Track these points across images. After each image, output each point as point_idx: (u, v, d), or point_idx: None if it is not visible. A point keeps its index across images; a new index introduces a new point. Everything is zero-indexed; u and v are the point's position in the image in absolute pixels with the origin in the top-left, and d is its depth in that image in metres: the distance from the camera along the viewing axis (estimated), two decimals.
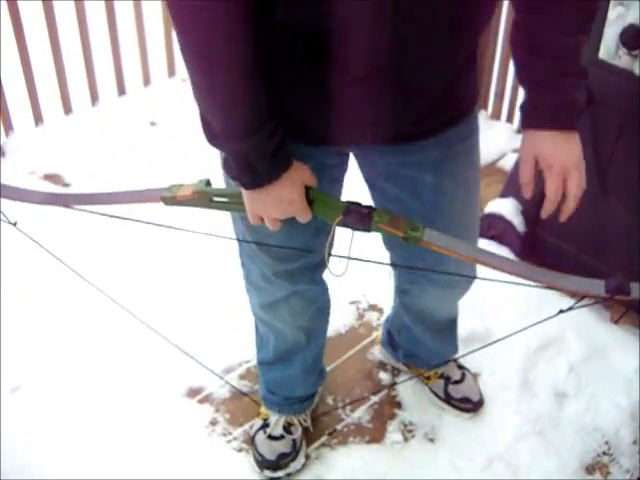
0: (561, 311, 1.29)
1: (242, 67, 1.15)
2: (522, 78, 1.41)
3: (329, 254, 1.48)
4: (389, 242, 1.75)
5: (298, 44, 1.19)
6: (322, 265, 1.69)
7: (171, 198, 1.41)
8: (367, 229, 1.32)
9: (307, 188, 1.31)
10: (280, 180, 1.25)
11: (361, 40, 1.17)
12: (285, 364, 1.91)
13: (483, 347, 1.61)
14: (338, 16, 1.14)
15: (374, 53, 1.20)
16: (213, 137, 1.24)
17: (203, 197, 1.38)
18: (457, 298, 1.90)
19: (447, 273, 1.60)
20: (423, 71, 1.27)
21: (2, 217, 1.52)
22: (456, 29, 1.24)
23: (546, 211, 1.39)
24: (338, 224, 1.32)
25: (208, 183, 1.40)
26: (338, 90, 1.25)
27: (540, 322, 1.40)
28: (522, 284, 1.30)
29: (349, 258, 1.41)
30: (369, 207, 1.32)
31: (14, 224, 1.52)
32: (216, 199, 1.39)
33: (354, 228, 1.33)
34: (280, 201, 1.27)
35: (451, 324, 2.00)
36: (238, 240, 1.65)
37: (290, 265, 1.61)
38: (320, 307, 1.84)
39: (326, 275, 1.80)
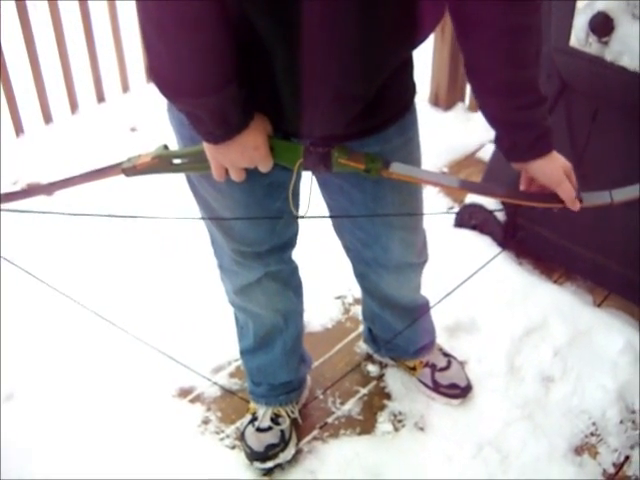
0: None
1: (214, 18, 1.14)
2: (489, 118, 1.42)
3: (295, 203, 1.49)
4: (338, 226, 1.78)
5: (243, 36, 1.20)
6: (290, 245, 1.73)
7: (131, 168, 1.39)
8: (328, 168, 1.32)
9: None
10: (248, 128, 1.26)
11: (295, 42, 1.18)
12: (266, 349, 1.93)
13: None
14: (275, 19, 1.16)
15: (306, 55, 1.20)
16: (183, 95, 1.22)
17: (163, 161, 1.37)
18: (412, 281, 1.92)
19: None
20: (355, 78, 1.28)
21: None
22: (388, 42, 1.26)
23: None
24: (299, 168, 1.33)
25: (166, 147, 1.39)
26: (275, 84, 1.27)
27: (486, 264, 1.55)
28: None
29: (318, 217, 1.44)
30: (328, 145, 1.32)
31: None
32: (176, 161, 1.37)
33: (316, 169, 1.34)
34: (245, 148, 1.28)
35: (420, 310, 2.00)
36: (206, 218, 1.65)
37: (259, 247, 1.64)
38: (293, 287, 1.86)
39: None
